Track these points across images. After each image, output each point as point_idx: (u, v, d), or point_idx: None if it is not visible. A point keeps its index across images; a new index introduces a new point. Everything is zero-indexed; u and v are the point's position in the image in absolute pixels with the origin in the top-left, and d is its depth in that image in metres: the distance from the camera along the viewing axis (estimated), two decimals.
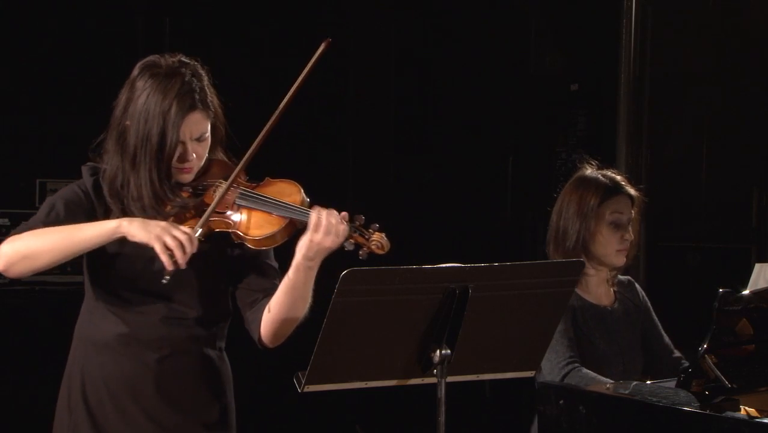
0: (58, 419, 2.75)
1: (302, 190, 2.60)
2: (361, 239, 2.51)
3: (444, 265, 2.38)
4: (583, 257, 3.21)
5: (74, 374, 2.70)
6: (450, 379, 2.44)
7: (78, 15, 5.74)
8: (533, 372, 2.65)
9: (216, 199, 2.56)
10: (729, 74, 5.64)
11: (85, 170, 2.68)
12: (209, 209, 2.55)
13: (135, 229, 2.43)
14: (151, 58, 2.65)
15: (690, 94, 5.78)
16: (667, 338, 3.39)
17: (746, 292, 2.80)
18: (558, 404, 2.78)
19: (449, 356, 2.41)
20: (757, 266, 3.18)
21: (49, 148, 5.62)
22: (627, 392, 2.74)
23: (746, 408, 2.56)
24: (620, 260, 3.27)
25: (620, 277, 3.41)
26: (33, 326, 5.24)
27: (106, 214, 2.59)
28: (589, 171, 3.35)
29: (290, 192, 2.59)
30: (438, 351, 2.41)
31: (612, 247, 3.25)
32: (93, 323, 2.66)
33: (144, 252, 2.51)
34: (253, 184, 2.64)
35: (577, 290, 3.26)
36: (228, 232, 2.58)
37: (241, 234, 2.57)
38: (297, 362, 2.51)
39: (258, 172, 2.71)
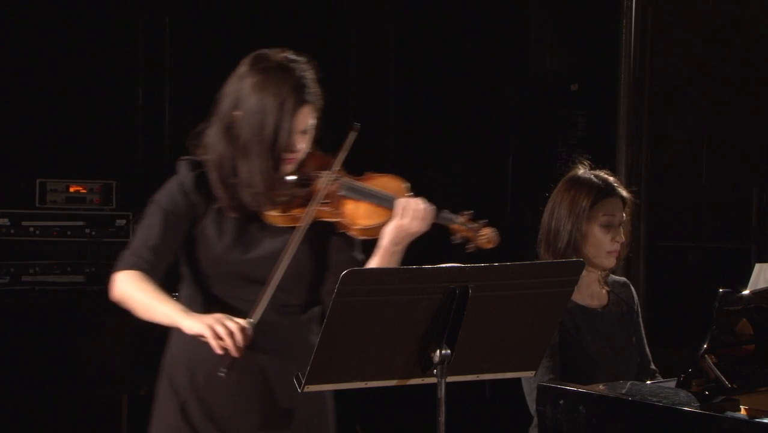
0: (161, 403, 2.78)
1: (405, 185, 2.72)
2: (469, 233, 2.65)
3: (444, 265, 2.38)
4: (574, 258, 3.20)
5: (178, 359, 2.75)
6: (450, 379, 2.44)
7: (78, 15, 5.74)
8: (533, 372, 2.65)
9: (321, 189, 2.66)
10: (729, 74, 5.65)
11: (184, 165, 2.76)
12: (315, 199, 2.65)
13: (189, 323, 2.54)
14: (259, 52, 2.73)
15: (690, 94, 5.78)
16: (647, 349, 3.37)
17: (746, 292, 2.80)
18: (558, 404, 2.78)
19: (449, 356, 2.41)
20: (757, 266, 3.18)
21: (49, 148, 5.62)
22: (626, 392, 2.74)
23: (746, 408, 2.56)
24: (610, 262, 3.26)
25: (616, 278, 3.40)
26: (33, 326, 5.24)
27: (207, 208, 2.68)
28: (582, 171, 3.33)
29: (394, 186, 2.72)
30: (438, 351, 2.41)
31: (603, 249, 3.23)
32: (198, 309, 2.70)
33: (251, 253, 2.64)
34: (356, 177, 2.74)
35: None
36: (333, 221, 2.68)
37: (347, 223, 2.67)
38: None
39: None
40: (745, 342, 2.76)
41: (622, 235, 3.25)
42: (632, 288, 3.42)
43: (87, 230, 5.71)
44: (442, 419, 2.44)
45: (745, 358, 2.76)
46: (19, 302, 5.31)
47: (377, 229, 2.65)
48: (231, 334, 2.48)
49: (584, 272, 3.25)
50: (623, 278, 3.44)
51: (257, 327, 2.58)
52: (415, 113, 6.41)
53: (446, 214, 2.69)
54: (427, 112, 6.47)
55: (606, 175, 3.31)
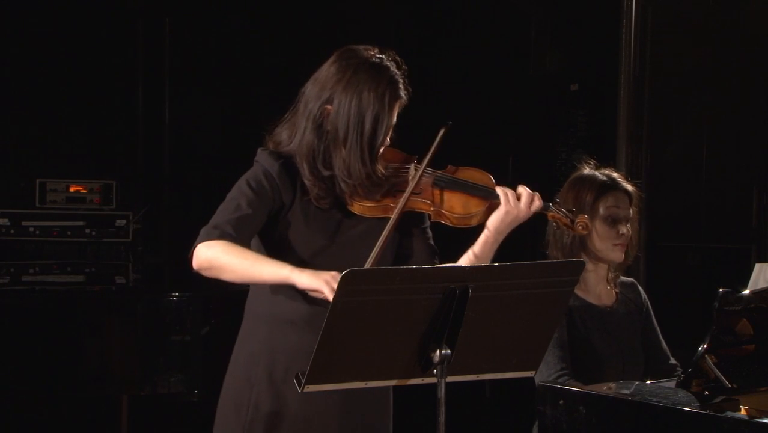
0: (235, 396, 2.78)
1: (491, 177, 2.82)
2: (564, 220, 2.79)
3: (444, 265, 2.38)
4: (581, 254, 3.22)
5: (255, 351, 2.77)
6: (450, 379, 2.44)
7: (78, 15, 5.74)
8: (533, 372, 2.65)
9: (413, 180, 2.75)
10: (729, 74, 5.65)
11: (264, 155, 2.77)
12: (408, 190, 2.73)
13: (305, 279, 2.54)
14: (347, 48, 2.77)
15: (690, 94, 5.78)
16: (664, 345, 3.38)
17: (746, 292, 2.80)
18: (558, 404, 2.78)
19: (449, 356, 2.41)
20: (757, 266, 3.18)
21: (49, 148, 5.62)
22: (627, 392, 2.74)
23: (746, 408, 2.56)
24: (618, 256, 3.27)
25: (623, 278, 3.41)
26: (33, 326, 5.24)
27: (293, 195, 2.72)
28: (587, 170, 3.36)
29: (483, 178, 2.84)
30: (438, 351, 2.41)
31: (608, 241, 3.25)
32: (279, 301, 2.74)
33: (337, 237, 2.71)
34: (443, 170, 2.86)
35: (576, 290, 3.26)
36: (426, 212, 2.78)
37: (444, 213, 2.76)
38: None
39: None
40: (745, 342, 2.76)
41: (629, 229, 3.27)
42: (640, 288, 3.43)
43: (87, 230, 5.71)
44: (442, 419, 2.44)
45: (745, 358, 2.76)
46: (19, 302, 5.31)
47: (472, 217, 2.76)
48: None
49: (592, 267, 3.28)
50: (631, 279, 3.45)
51: None
52: (414, 113, 6.41)
53: (545, 203, 2.80)
54: (427, 112, 6.47)
55: (610, 172, 3.34)
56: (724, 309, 2.63)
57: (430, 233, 2.88)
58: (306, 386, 2.38)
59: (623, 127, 5.60)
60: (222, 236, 2.63)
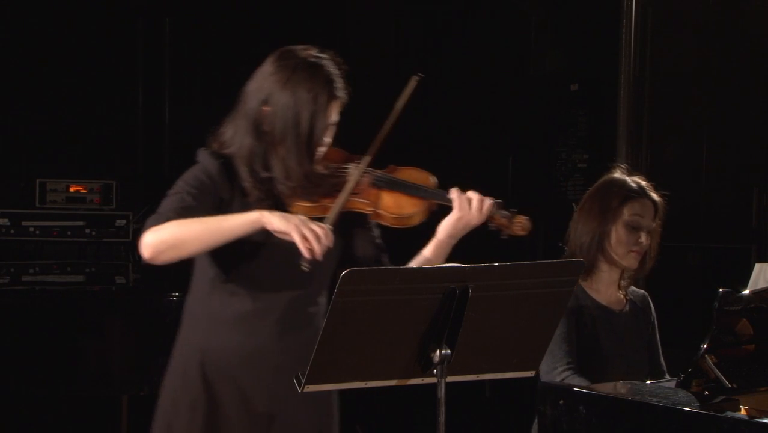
0: (173, 395, 2.80)
1: (432, 177, 2.83)
2: (504, 221, 2.75)
3: (444, 265, 2.38)
4: (598, 255, 3.25)
5: (191, 351, 2.77)
6: (450, 379, 2.44)
7: (78, 15, 5.74)
8: (533, 372, 2.65)
9: (352, 180, 2.73)
10: (729, 74, 5.64)
11: (205, 154, 2.77)
12: (346, 190, 2.72)
13: (276, 220, 2.55)
14: (285, 49, 2.77)
15: (690, 94, 5.78)
16: (662, 360, 3.41)
17: (746, 292, 2.80)
18: (558, 404, 2.78)
19: (449, 356, 2.41)
20: (757, 266, 3.18)
21: (49, 148, 5.62)
22: (626, 392, 2.74)
23: (746, 408, 2.56)
24: (632, 263, 3.29)
25: (636, 289, 3.43)
26: (33, 326, 5.24)
27: (231, 195, 2.71)
28: (618, 174, 3.39)
29: (423, 177, 2.83)
30: (438, 351, 2.41)
31: (626, 247, 3.27)
32: (216, 301, 2.75)
33: (279, 241, 2.64)
34: (383, 170, 2.83)
35: (587, 290, 3.29)
36: (364, 212, 2.76)
37: (382, 213, 2.75)
38: None
39: None
40: (745, 342, 2.76)
41: (648, 239, 3.29)
42: (651, 302, 3.46)
43: (87, 230, 5.71)
44: (442, 419, 2.44)
45: (745, 358, 2.76)
46: (19, 302, 5.31)
47: (410, 218, 2.75)
48: (318, 237, 2.53)
49: (606, 268, 3.31)
50: (643, 291, 3.47)
51: (276, 318, 2.69)
52: (414, 113, 6.41)
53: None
54: (427, 112, 6.47)
55: (640, 179, 3.37)
56: (724, 309, 2.63)
57: (376, 232, 2.88)
58: (306, 386, 2.38)
59: (623, 127, 5.60)
60: (168, 219, 2.60)
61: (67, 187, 5.72)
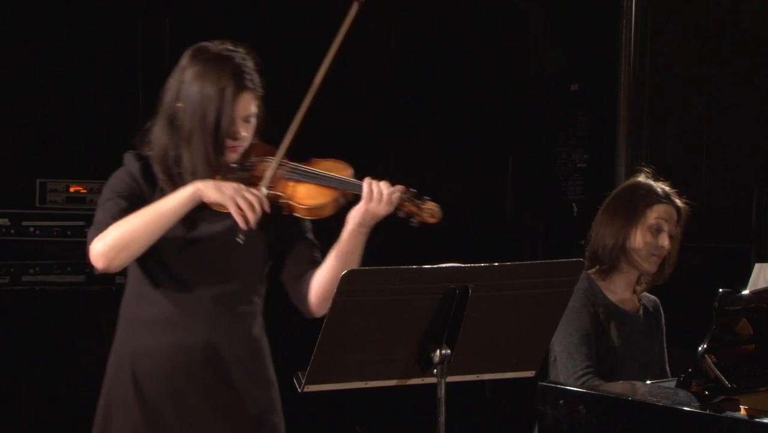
0: (105, 398, 2.82)
1: (350, 168, 2.76)
2: (414, 208, 2.69)
3: (444, 265, 2.38)
4: (621, 257, 3.27)
5: (122, 354, 2.79)
6: (450, 379, 2.44)
7: (78, 15, 5.74)
8: (533, 372, 2.65)
9: (272, 167, 2.71)
10: (729, 74, 5.64)
11: (129, 157, 2.81)
12: (268, 172, 2.69)
13: (210, 190, 2.58)
14: (199, 44, 2.79)
15: (690, 94, 5.78)
16: (667, 367, 3.43)
17: (746, 292, 2.81)
18: (558, 404, 2.78)
19: (449, 356, 2.42)
20: (757, 266, 3.18)
21: (49, 148, 5.62)
22: (627, 392, 2.75)
23: (746, 408, 2.56)
24: (651, 266, 3.32)
25: (648, 294, 3.45)
26: (33, 326, 5.24)
27: (153, 196, 2.72)
28: (643, 177, 3.42)
29: (339, 168, 2.77)
30: (438, 351, 2.41)
31: (647, 249, 3.30)
32: (143, 303, 2.76)
33: (199, 236, 2.68)
34: (301, 162, 2.78)
35: (604, 290, 3.32)
36: (278, 204, 2.72)
37: (294, 204, 2.71)
38: (297, 362, 2.52)
39: None
40: (745, 342, 2.77)
41: (669, 243, 3.31)
42: (661, 308, 3.48)
43: (87, 230, 5.70)
44: (442, 419, 2.44)
45: (745, 358, 2.76)
46: (19, 302, 5.31)
47: (322, 208, 2.71)
48: (251, 206, 2.56)
49: (627, 268, 3.32)
50: (655, 297, 3.49)
51: (201, 319, 2.69)
52: (414, 113, 6.41)
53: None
54: (427, 113, 6.47)
55: (665, 185, 3.40)
56: (724, 309, 2.63)
57: (306, 225, 2.85)
58: (306, 386, 2.38)
59: (623, 127, 5.60)
60: (108, 226, 2.64)
61: (67, 187, 5.71)
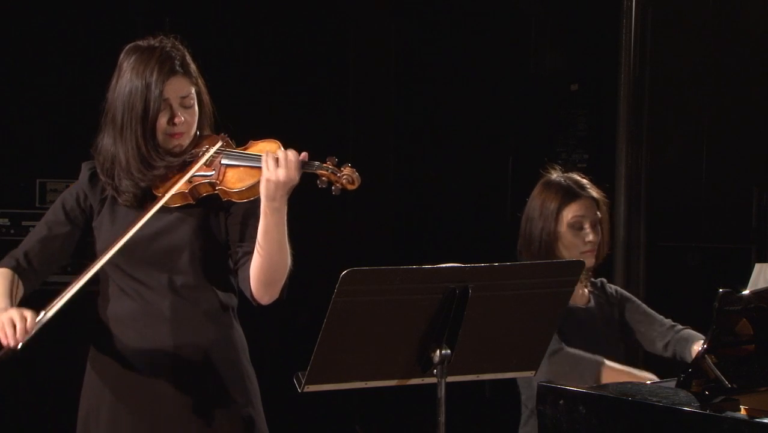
0: (83, 399, 2.85)
1: (281, 145, 2.68)
2: (331, 176, 2.61)
3: (444, 265, 2.38)
4: (553, 258, 3.25)
5: (95, 352, 2.83)
6: (450, 379, 2.44)
7: (78, 15, 5.74)
8: (533, 372, 2.65)
9: (203, 158, 2.70)
10: (729, 74, 5.64)
11: (83, 166, 2.87)
12: (193, 169, 2.70)
13: None
14: (132, 43, 2.80)
15: (690, 94, 5.78)
16: (659, 317, 3.39)
17: (746, 292, 2.80)
18: (558, 404, 2.78)
19: (449, 356, 2.42)
20: (757, 266, 3.18)
21: (49, 148, 5.62)
22: (627, 392, 2.75)
23: (746, 408, 2.56)
24: (588, 261, 3.29)
25: (594, 281, 3.44)
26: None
27: (101, 203, 2.78)
28: (554, 175, 3.40)
29: (269, 148, 2.68)
30: (438, 351, 2.41)
31: (575, 249, 3.28)
32: (106, 303, 2.80)
33: (145, 231, 2.67)
34: (238, 147, 2.76)
35: None
36: (215, 192, 2.71)
37: (226, 190, 2.69)
38: (297, 362, 2.52)
39: None
40: (745, 342, 2.76)
41: (598, 233, 3.29)
42: (607, 285, 3.45)
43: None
44: (442, 419, 2.45)
45: (745, 358, 2.76)
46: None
47: (252, 189, 2.66)
48: (12, 327, 2.56)
49: None
50: (601, 279, 3.47)
51: (162, 314, 2.70)
52: (415, 113, 6.41)
53: (311, 162, 2.65)
54: (427, 112, 6.47)
55: (577, 177, 3.36)
56: (724, 309, 2.63)
57: (247, 211, 2.77)
58: (306, 386, 2.38)
59: (623, 127, 5.60)
60: (9, 264, 2.79)
61: (67, 188, 5.72)
